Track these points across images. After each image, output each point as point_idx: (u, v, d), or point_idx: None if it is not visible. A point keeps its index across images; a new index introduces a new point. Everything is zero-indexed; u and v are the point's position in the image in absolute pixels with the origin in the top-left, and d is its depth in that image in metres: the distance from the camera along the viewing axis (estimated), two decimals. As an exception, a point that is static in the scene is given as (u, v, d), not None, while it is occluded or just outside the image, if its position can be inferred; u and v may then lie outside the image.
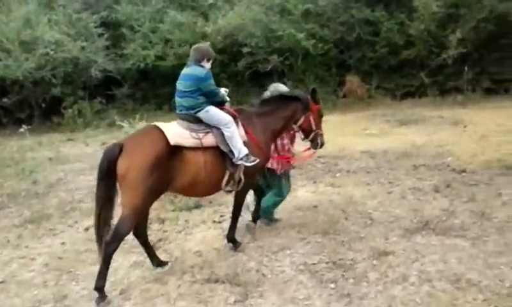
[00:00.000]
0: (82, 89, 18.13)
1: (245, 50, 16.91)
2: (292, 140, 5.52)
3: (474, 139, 9.86)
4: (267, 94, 5.28)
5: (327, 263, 4.48)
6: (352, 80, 16.95)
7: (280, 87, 5.44)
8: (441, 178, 7.20)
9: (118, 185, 3.91)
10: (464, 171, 7.52)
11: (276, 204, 5.51)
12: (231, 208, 5.08)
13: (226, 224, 5.27)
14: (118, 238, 3.86)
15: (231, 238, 4.95)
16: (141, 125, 7.81)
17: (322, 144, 5.35)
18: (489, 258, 4.36)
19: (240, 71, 17.94)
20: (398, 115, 14.03)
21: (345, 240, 5.03)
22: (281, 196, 5.46)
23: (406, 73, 17.66)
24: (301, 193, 6.95)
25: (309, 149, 5.50)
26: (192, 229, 5.77)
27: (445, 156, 8.63)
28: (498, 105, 14.86)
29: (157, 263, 4.49)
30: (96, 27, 18.01)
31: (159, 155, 3.85)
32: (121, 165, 3.79)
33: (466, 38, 15.99)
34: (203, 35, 17.31)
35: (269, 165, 5.18)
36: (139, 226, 4.23)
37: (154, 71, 18.36)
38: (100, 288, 3.89)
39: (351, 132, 12.22)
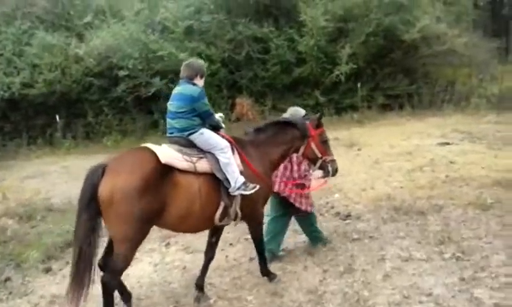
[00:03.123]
0: None
1: (122, 73, 15.06)
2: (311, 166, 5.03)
3: (366, 166, 9.20)
4: (283, 117, 4.89)
5: None
6: (242, 103, 15.66)
7: (299, 111, 5.01)
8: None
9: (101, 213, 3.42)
10: (349, 215, 6.42)
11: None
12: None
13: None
14: (115, 275, 3.55)
15: (264, 272, 4.53)
16: None
17: (334, 171, 4.82)
18: None
19: (121, 96, 16.10)
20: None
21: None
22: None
23: (300, 92, 16.69)
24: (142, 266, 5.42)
25: (324, 177, 4.92)
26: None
27: (334, 191, 7.55)
28: (393, 122, 14.54)
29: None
30: None
31: (149, 175, 3.43)
32: (104, 188, 3.35)
33: (356, 53, 15.36)
34: (77, 58, 15.44)
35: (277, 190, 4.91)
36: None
37: (24, 100, 16.11)
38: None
39: None
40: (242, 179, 3.93)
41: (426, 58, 16.99)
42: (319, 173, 4.93)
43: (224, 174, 3.88)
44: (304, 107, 16.33)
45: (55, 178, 10.77)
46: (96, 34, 15.45)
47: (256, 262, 4.70)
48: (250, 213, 4.22)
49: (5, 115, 16.82)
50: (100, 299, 3.62)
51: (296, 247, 5.40)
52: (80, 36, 16.27)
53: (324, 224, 6.04)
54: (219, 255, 4.18)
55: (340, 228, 5.90)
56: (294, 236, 5.70)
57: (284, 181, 4.95)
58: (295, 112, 5.02)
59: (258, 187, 4.01)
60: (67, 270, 5.19)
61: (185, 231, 4.50)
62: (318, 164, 4.76)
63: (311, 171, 5.08)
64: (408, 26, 15.28)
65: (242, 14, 16.25)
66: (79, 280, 3.46)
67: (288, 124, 4.60)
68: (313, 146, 4.64)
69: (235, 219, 4.14)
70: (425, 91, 16.21)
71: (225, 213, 3.99)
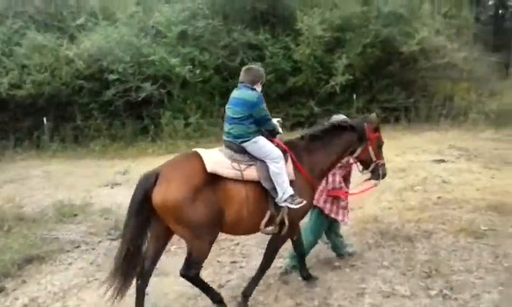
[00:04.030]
0: None
1: (112, 76, 14.64)
2: (346, 177, 4.92)
3: (357, 183, 8.48)
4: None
5: None
6: (234, 111, 15.20)
7: (342, 119, 4.70)
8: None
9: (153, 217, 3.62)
10: None
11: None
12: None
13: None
14: (191, 267, 3.71)
15: (247, 294, 4.21)
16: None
17: (384, 175, 4.76)
18: None
19: (111, 100, 15.68)
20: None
21: None
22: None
23: (295, 101, 16.27)
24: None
25: (369, 179, 4.82)
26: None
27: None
28: (389, 135, 13.66)
29: None
30: None
31: (196, 184, 3.55)
32: (157, 196, 3.51)
33: (353, 64, 14.99)
34: (67, 60, 15.05)
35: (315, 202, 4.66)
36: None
37: (12, 101, 15.69)
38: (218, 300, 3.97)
39: None
40: (290, 191, 3.87)
41: (424, 71, 16.61)
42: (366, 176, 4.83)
43: (272, 183, 3.85)
44: (298, 116, 16.06)
45: (34, 183, 10.34)
46: (88, 37, 15.07)
47: (225, 290, 4.30)
48: (291, 223, 4.07)
49: (-9, 116, 16.41)
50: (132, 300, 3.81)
51: (272, 274, 4.94)
52: (72, 38, 15.85)
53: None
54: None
55: (322, 252, 5.45)
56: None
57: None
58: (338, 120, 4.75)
59: (304, 202, 3.94)
60: (21, 291, 4.80)
61: (235, 234, 4.60)
62: (371, 168, 4.68)
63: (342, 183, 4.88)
64: (406, 38, 14.91)
65: (239, 20, 15.91)
66: (122, 279, 3.63)
67: (346, 127, 4.46)
68: (370, 149, 4.58)
69: (281, 229, 4.02)
70: (422, 104, 15.80)
71: (271, 222, 3.95)
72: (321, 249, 5.51)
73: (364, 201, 7.29)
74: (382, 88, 15.92)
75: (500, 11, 39.80)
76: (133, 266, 3.67)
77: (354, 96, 15.35)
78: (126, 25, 15.39)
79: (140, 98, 15.01)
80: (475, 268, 4.79)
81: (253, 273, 4.38)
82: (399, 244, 5.56)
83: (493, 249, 5.28)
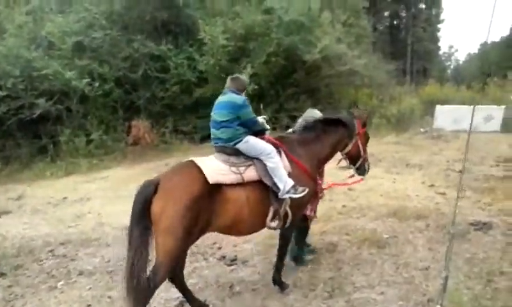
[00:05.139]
0: None
1: (0, 93, 13.30)
2: (320, 174, 4.87)
3: None
4: (301, 121, 4.72)
5: None
6: (139, 125, 14.53)
7: (317, 114, 4.82)
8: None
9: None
10: (235, 259, 5.54)
11: None
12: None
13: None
14: (152, 286, 3.49)
15: (277, 280, 4.53)
16: None
17: (368, 170, 4.95)
18: None
19: (3, 118, 14.27)
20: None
21: None
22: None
23: (203, 113, 15.82)
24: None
25: (352, 176, 5.02)
26: None
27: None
28: None
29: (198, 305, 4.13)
30: None
31: (197, 196, 3.52)
32: (156, 205, 3.47)
33: (259, 74, 14.91)
34: None
35: None
36: (175, 267, 3.87)
37: None
38: None
39: (130, 192, 9.54)
40: (291, 182, 3.94)
41: (329, 79, 17.04)
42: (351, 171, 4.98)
43: (272, 179, 3.91)
44: (207, 128, 15.74)
45: None
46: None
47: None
48: (295, 213, 4.16)
49: None
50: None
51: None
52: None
53: (206, 272, 5.14)
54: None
55: (222, 276, 5.02)
56: (166, 289, 4.66)
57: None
58: (311, 114, 4.84)
59: (307, 190, 4.02)
60: None
61: (235, 235, 4.42)
62: (359, 162, 4.82)
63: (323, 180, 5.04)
64: (309, 46, 15.17)
65: (138, 30, 15.28)
66: (130, 290, 3.48)
67: (338, 122, 4.60)
68: (359, 144, 4.73)
69: (285, 221, 4.11)
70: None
71: (275, 216, 4.00)
72: (222, 272, 5.12)
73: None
74: (289, 97, 16.06)
75: (395, 22, 42.64)
76: (140, 274, 3.53)
77: (262, 105, 15.25)
78: (15, 36, 14.12)
79: (35, 116, 13.80)
80: (377, 282, 4.63)
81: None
82: (304, 260, 5.32)
83: (394, 259, 5.20)
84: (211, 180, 3.61)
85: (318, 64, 15.80)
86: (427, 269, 4.88)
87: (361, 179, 5.00)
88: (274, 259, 5.30)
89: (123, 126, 15.20)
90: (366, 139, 4.91)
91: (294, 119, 15.66)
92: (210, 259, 5.60)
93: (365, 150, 4.84)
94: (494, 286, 4.41)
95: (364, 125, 4.81)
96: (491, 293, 4.27)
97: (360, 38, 18.37)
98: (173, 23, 16.01)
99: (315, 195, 4.72)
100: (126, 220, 7.02)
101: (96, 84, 14.06)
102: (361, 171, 4.91)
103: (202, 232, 3.73)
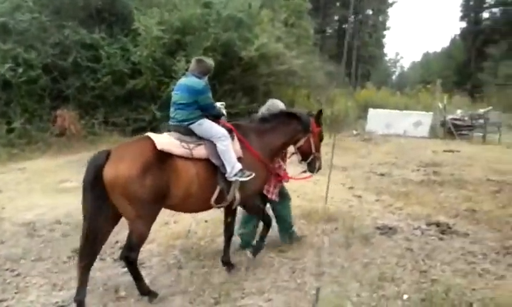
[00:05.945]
0: None
1: None
2: (283, 158, 5.23)
3: None
4: (263, 110, 5.02)
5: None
6: (64, 115, 13.82)
7: (277, 103, 5.12)
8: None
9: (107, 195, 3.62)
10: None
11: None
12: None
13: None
14: (131, 250, 3.78)
15: (226, 260, 4.79)
16: None
17: (319, 168, 5.15)
18: None
19: None
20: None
21: None
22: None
23: (136, 105, 15.41)
24: None
25: (305, 172, 5.19)
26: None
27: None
28: None
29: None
30: None
31: (147, 161, 3.66)
32: (108, 172, 3.56)
33: (194, 68, 14.55)
34: None
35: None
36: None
37: None
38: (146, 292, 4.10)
39: (44, 186, 9.02)
40: (239, 166, 4.13)
41: (267, 77, 16.97)
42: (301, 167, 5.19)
43: (221, 160, 4.08)
44: (139, 121, 15.23)
45: None
46: None
47: None
48: (246, 198, 4.38)
49: None
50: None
51: None
52: None
53: (98, 273, 4.74)
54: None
55: (112, 278, 4.67)
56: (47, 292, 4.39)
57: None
58: (273, 104, 5.09)
59: (254, 174, 4.20)
60: None
61: (186, 211, 4.68)
62: (309, 159, 5.01)
63: (283, 164, 5.23)
64: (246, 43, 15.05)
65: (71, 17, 14.61)
66: (88, 254, 3.68)
67: (293, 116, 4.83)
68: (311, 141, 4.91)
69: (232, 203, 4.33)
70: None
71: (222, 197, 4.18)
72: (114, 275, 4.80)
73: (182, 215, 6.53)
74: (225, 93, 15.84)
75: (343, 26, 43.57)
76: (95, 246, 3.73)
77: (197, 100, 15.03)
78: None
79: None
80: (268, 288, 4.41)
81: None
82: (200, 262, 5.03)
83: (293, 263, 5.02)
84: (159, 146, 3.76)
85: (255, 62, 15.69)
86: (322, 275, 4.80)
87: (310, 176, 5.20)
88: (173, 260, 5.16)
89: (49, 115, 14.42)
90: (320, 138, 5.09)
91: (230, 115, 15.55)
92: (107, 259, 5.24)
93: (317, 149, 5.03)
94: (381, 293, 4.35)
95: (319, 125, 4.99)
96: (376, 300, 4.22)
97: (301, 38, 18.45)
98: (107, 11, 15.44)
99: (275, 178, 5.00)
100: (31, 216, 6.73)
101: (20, 70, 13.28)
102: (312, 168, 5.09)
103: (164, 199, 3.85)
